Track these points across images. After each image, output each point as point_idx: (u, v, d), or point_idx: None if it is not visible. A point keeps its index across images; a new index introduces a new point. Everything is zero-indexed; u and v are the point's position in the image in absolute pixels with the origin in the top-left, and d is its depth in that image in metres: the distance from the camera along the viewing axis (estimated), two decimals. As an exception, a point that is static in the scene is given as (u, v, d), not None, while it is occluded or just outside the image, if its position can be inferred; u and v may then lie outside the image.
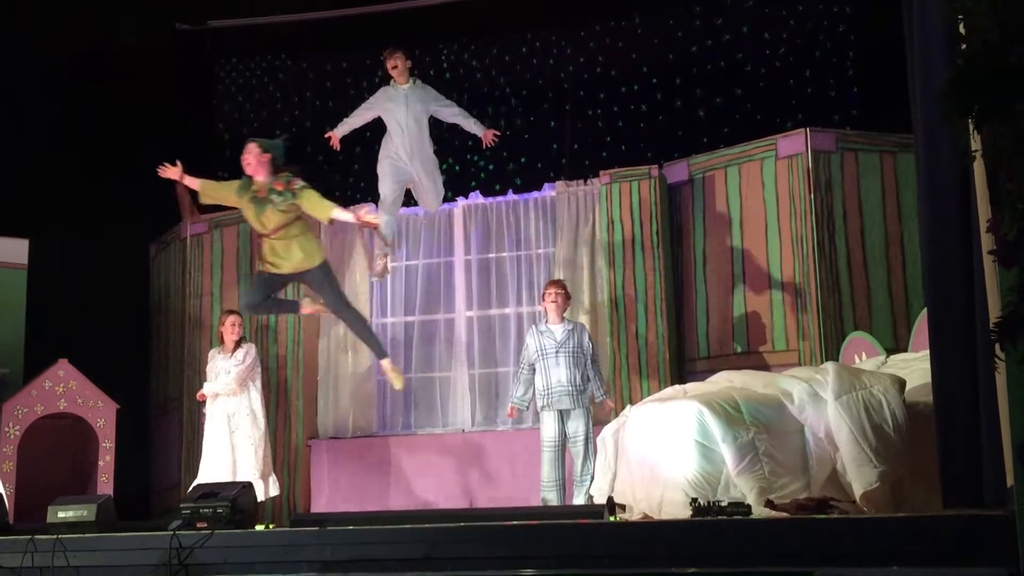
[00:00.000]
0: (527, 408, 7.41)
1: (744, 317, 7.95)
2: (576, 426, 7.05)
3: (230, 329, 7.66)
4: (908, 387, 5.76)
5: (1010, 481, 3.61)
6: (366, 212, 6.79)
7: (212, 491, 5.37)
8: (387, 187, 7.54)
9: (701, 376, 7.30)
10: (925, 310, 5.48)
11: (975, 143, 3.31)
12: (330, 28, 9.51)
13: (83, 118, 9.15)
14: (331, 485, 8.51)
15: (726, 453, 5.46)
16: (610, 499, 5.81)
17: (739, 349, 7.94)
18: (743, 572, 4.05)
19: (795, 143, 7.83)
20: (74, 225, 8.95)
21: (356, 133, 7.91)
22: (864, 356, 6.94)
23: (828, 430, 5.59)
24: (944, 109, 3.13)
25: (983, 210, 3.74)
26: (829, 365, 5.96)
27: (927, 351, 4.92)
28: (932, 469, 4.88)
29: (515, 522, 4.77)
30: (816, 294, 7.55)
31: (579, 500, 6.90)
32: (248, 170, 6.56)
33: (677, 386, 6.66)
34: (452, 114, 7.76)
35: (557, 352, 7.11)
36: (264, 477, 7.51)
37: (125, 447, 8.44)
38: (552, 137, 9.17)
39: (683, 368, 8.16)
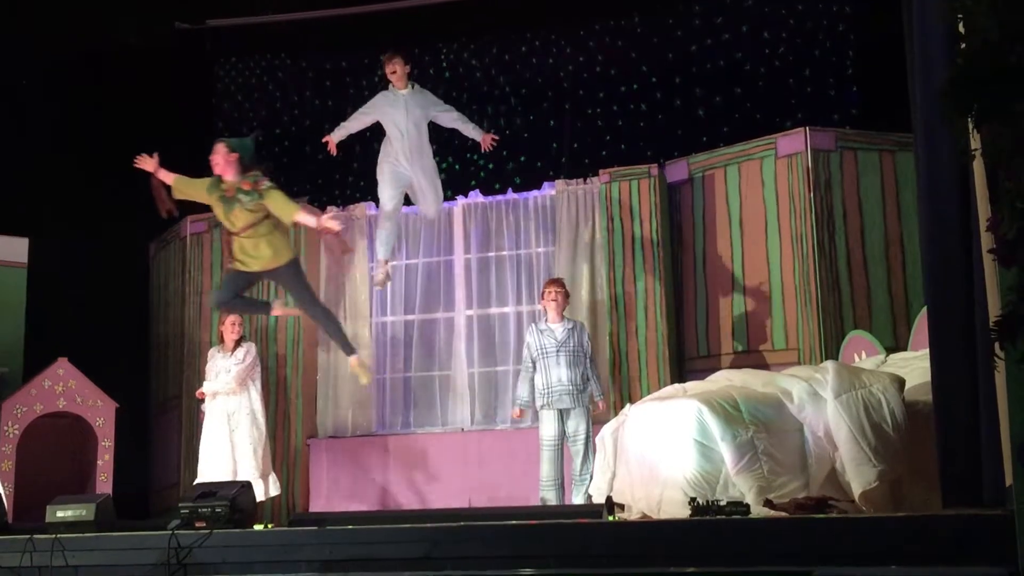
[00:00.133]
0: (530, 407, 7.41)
1: (744, 316, 7.95)
2: (576, 425, 7.05)
3: (230, 328, 7.66)
4: (908, 386, 5.76)
5: (1009, 480, 3.61)
6: (328, 218, 6.66)
7: (211, 490, 5.35)
8: (387, 194, 7.54)
9: (700, 375, 7.28)
10: (925, 309, 5.48)
11: (975, 142, 3.31)
12: (329, 27, 9.51)
13: (83, 118, 9.14)
14: (330, 484, 8.50)
15: (725, 452, 5.46)
16: (609, 498, 5.81)
17: (739, 348, 7.94)
18: (742, 571, 4.05)
19: (795, 142, 7.83)
20: (74, 224, 8.94)
21: (355, 133, 7.90)
22: (864, 355, 6.94)
23: (827, 429, 5.59)
24: (944, 108, 3.13)
25: (983, 209, 3.74)
26: (829, 364, 5.96)
27: (927, 350, 4.92)
28: (931, 468, 4.88)
29: (514, 521, 4.78)
30: (816, 293, 7.55)
31: (578, 499, 6.90)
32: (216, 170, 6.57)
33: (676, 385, 6.66)
34: (451, 119, 7.77)
35: (558, 351, 7.10)
36: (264, 477, 7.51)
37: (124, 446, 8.43)
38: (552, 136, 9.17)
39: (682, 367, 8.16)
